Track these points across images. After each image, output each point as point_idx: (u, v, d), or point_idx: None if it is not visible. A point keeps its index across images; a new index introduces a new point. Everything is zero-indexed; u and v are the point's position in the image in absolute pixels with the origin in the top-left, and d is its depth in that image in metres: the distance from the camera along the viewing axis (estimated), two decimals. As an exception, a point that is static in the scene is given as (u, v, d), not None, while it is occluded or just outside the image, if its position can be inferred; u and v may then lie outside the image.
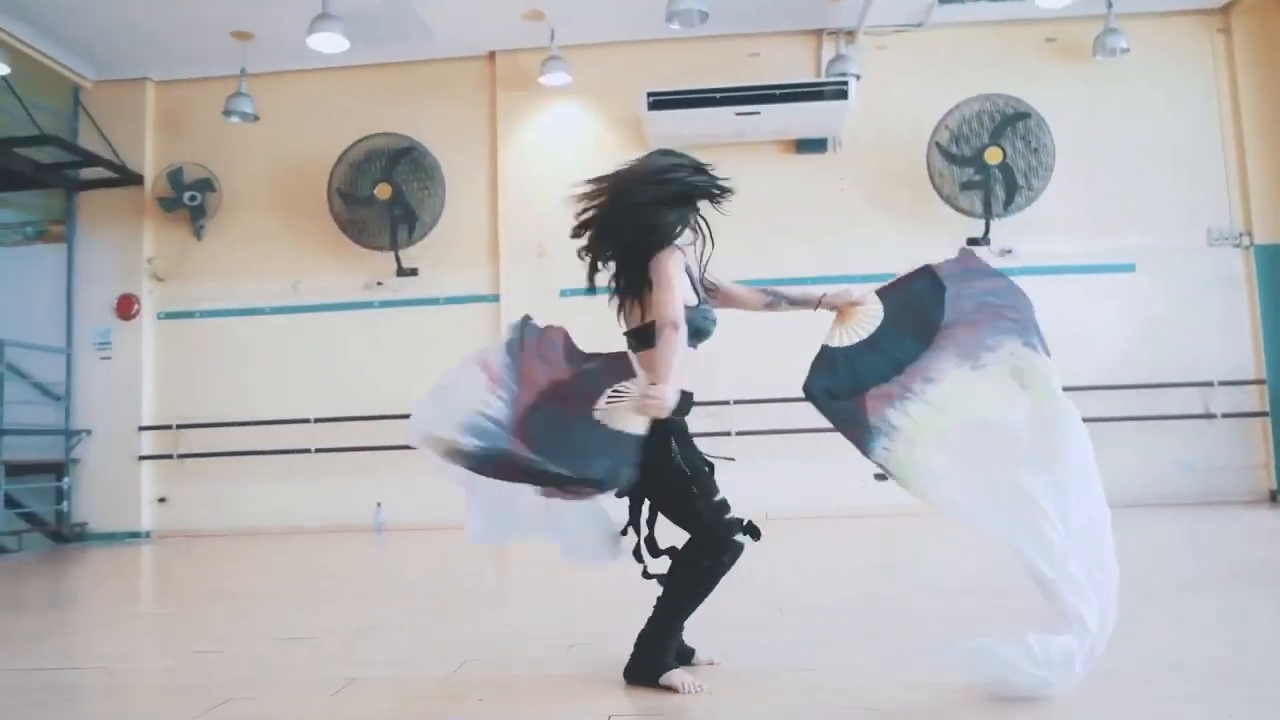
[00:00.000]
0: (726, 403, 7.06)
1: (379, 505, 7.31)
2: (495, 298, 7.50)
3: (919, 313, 2.34)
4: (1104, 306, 7.14)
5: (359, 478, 7.40)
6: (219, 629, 3.65)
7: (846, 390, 2.30)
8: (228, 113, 7.30)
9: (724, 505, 2.50)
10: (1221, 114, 7.27)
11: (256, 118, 7.40)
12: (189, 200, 7.54)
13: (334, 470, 7.42)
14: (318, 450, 7.41)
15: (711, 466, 2.56)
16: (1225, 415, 6.93)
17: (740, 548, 2.47)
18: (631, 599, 2.74)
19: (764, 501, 6.99)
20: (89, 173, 7.71)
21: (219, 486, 7.50)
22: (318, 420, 7.43)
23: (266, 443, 7.45)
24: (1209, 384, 6.97)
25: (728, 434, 7.03)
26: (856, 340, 2.38)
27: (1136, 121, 7.22)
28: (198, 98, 7.78)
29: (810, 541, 6.19)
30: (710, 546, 2.45)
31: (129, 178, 7.68)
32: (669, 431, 2.46)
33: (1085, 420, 6.91)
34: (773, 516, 7.05)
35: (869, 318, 2.48)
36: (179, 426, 7.55)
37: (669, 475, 2.46)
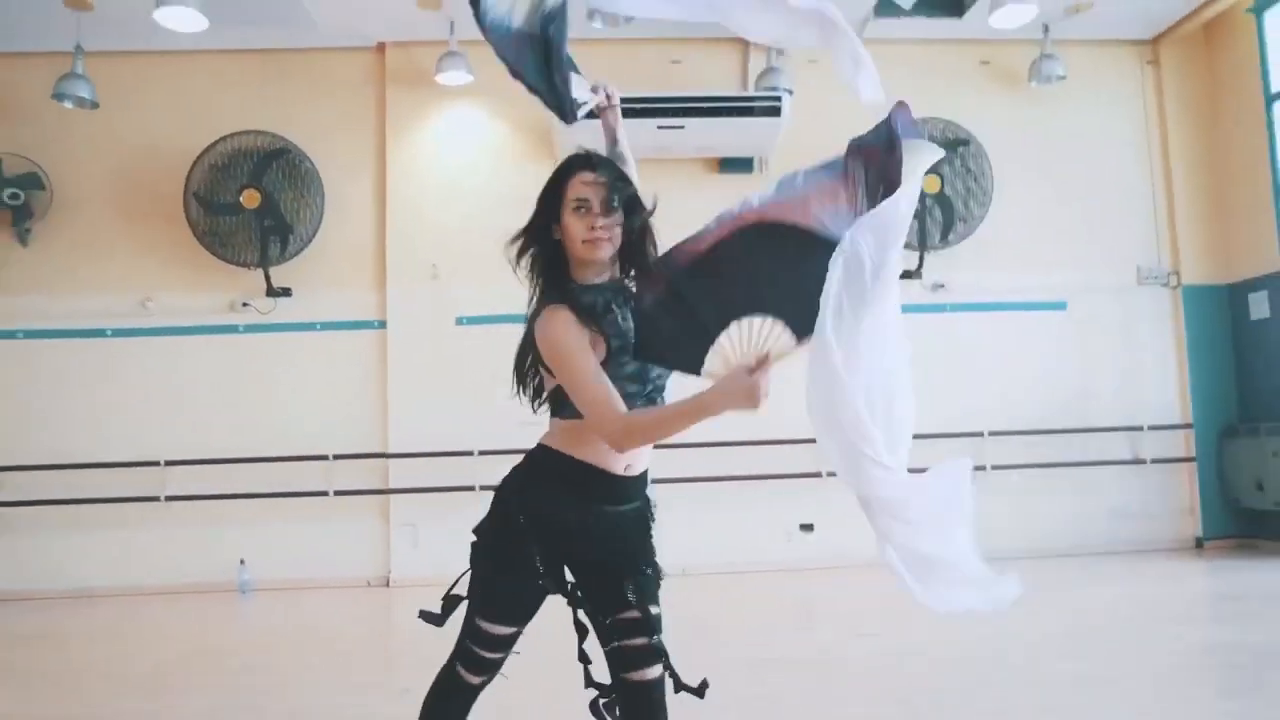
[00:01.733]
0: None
1: (242, 561, 6.33)
2: (381, 324, 6.61)
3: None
4: (1036, 345, 6.85)
5: (219, 529, 6.40)
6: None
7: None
8: (60, 95, 6.15)
9: (486, 637, 1.91)
10: (1151, 147, 7.08)
11: (96, 104, 6.26)
12: (9, 199, 6.33)
13: (190, 521, 6.39)
14: (169, 498, 6.36)
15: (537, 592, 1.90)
16: (1154, 460, 6.73)
17: (465, 688, 1.96)
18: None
19: (684, 556, 6.43)
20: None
21: (46, 540, 6.35)
22: (169, 463, 6.38)
23: (107, 489, 6.35)
24: (1139, 428, 6.75)
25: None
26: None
27: (1071, 151, 6.94)
28: (22, 76, 6.57)
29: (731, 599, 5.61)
30: (446, 664, 2.00)
31: (-68, 169, 6.41)
32: (511, 509, 1.92)
33: (1020, 466, 6.28)
34: (690, 572, 6.55)
35: None
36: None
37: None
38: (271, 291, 6.51)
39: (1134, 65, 7.12)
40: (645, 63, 6.79)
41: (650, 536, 2.02)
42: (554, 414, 1.94)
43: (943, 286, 6.81)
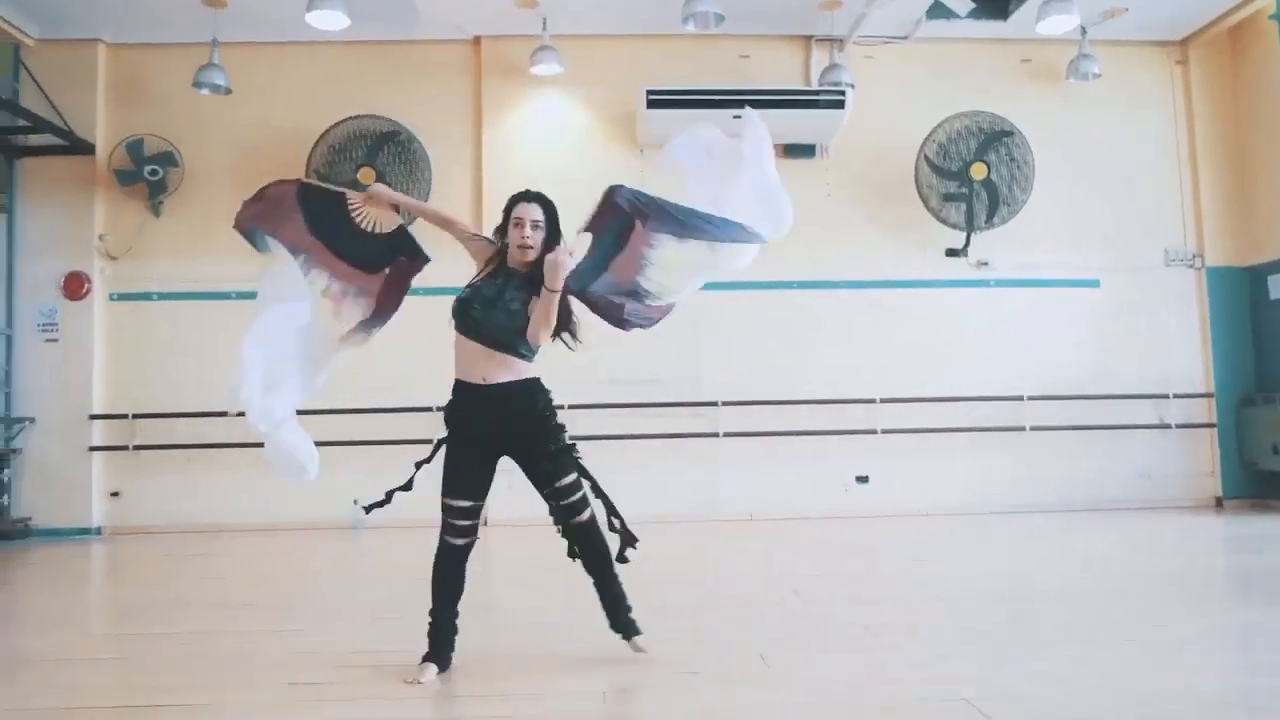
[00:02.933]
0: (715, 404, 7.10)
1: (355, 502, 7.03)
2: (478, 291, 7.29)
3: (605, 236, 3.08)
4: (1071, 319, 7.48)
5: (334, 472, 7.01)
6: (183, 640, 3.45)
7: (594, 276, 3.06)
8: (198, 84, 6.87)
9: (450, 508, 2.99)
10: (1179, 141, 7.70)
11: (229, 90, 6.98)
12: (149, 174, 7.06)
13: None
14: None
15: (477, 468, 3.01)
16: (1179, 426, 7.37)
17: (449, 549, 2.98)
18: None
19: (749, 503, 7.12)
20: (33, 139, 7.14)
21: (178, 480, 7.09)
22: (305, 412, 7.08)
23: (231, 435, 7.02)
24: (1165, 396, 7.39)
25: (715, 435, 7.07)
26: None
27: (1105, 143, 7.58)
28: (158, 65, 7.30)
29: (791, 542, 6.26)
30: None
31: (78, 146, 7.13)
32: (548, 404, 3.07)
33: (1055, 429, 7.02)
34: (757, 518, 7.22)
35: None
36: (134, 416, 7.09)
37: None
38: (380, 261, 7.20)
39: (1164, 65, 7.74)
40: (717, 58, 7.46)
41: (540, 429, 3.01)
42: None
43: (987, 264, 7.46)
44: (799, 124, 7.10)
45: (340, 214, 3.19)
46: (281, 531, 6.95)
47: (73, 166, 7.20)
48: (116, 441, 7.09)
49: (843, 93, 6.90)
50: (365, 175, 6.98)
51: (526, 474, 3.01)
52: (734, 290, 6.87)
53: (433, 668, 2.89)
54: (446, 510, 2.95)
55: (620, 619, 3.03)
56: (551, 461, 2.95)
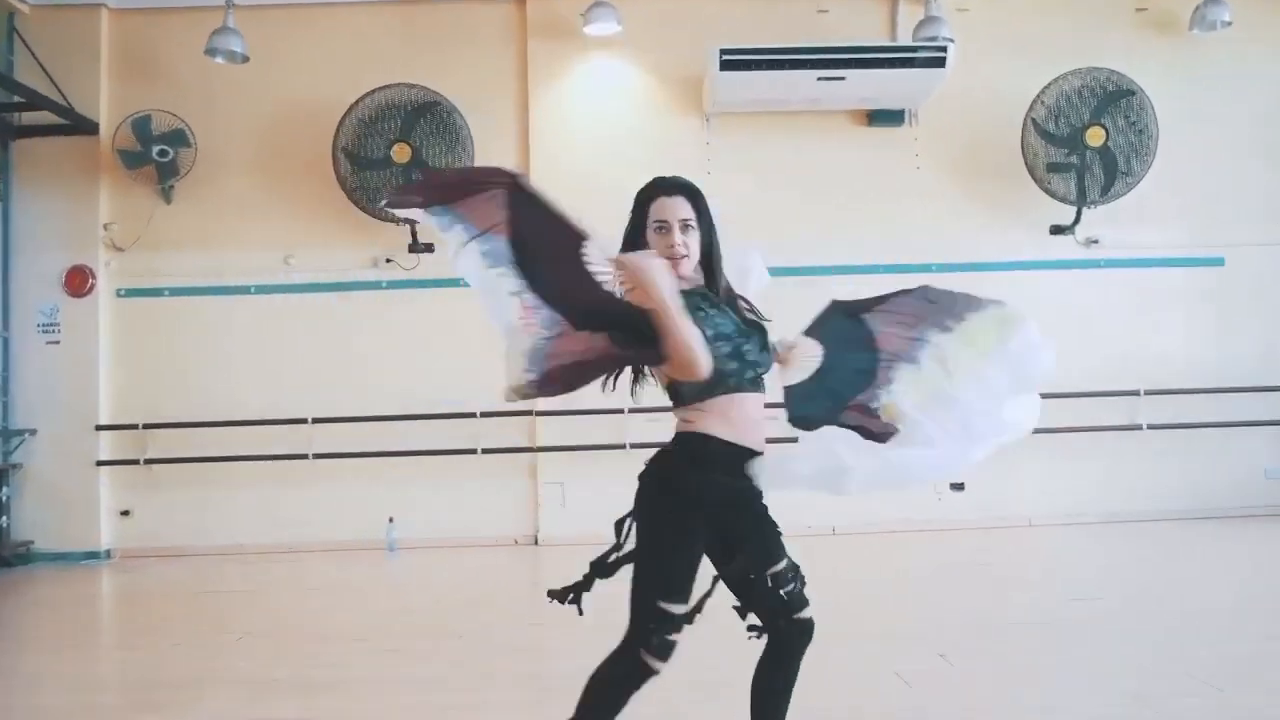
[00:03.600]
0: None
1: (390, 520, 6.30)
2: (526, 279, 6.51)
3: (849, 334, 2.32)
4: (1190, 303, 6.66)
5: (366, 488, 6.37)
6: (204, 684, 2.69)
7: (828, 408, 2.25)
8: (212, 51, 6.08)
9: (671, 618, 1.98)
10: (1322, 97, 6.80)
11: (246, 58, 6.19)
12: (158, 155, 6.29)
13: (336, 479, 6.37)
14: (316, 456, 6.33)
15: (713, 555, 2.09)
16: (1319, 421, 6.54)
17: (648, 673, 2.00)
18: None
19: (830, 515, 6.33)
20: (29, 117, 6.39)
21: (195, 498, 6.36)
22: (316, 420, 6.35)
23: (254, 447, 6.33)
24: (1302, 387, 6.55)
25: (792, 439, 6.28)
26: (811, 372, 2.27)
27: (1235, 102, 6.69)
28: (166, 32, 6.52)
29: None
30: (623, 646, 2.04)
31: (80, 125, 6.37)
32: (660, 475, 2.08)
33: (1168, 427, 5.95)
34: (840, 531, 6.44)
35: (809, 355, 2.27)
36: (145, 426, 6.35)
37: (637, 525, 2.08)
38: (415, 247, 6.44)
39: (1307, 9, 6.85)
40: (791, 13, 6.62)
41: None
42: (679, 400, 2.09)
43: (1097, 242, 6.62)
44: (888, 87, 6.26)
45: (568, 252, 2.05)
46: (311, 553, 6.23)
47: (74, 148, 6.45)
48: (126, 455, 6.36)
49: (944, 49, 6.04)
50: (400, 152, 6.19)
51: (734, 558, 2.11)
52: (808, 275, 6.08)
53: None
54: (661, 618, 2.00)
55: None
56: (776, 536, 2.15)
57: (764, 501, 2.13)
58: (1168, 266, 6.68)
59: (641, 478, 2.08)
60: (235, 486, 6.36)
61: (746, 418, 2.07)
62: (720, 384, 2.02)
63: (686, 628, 1.99)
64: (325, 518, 6.38)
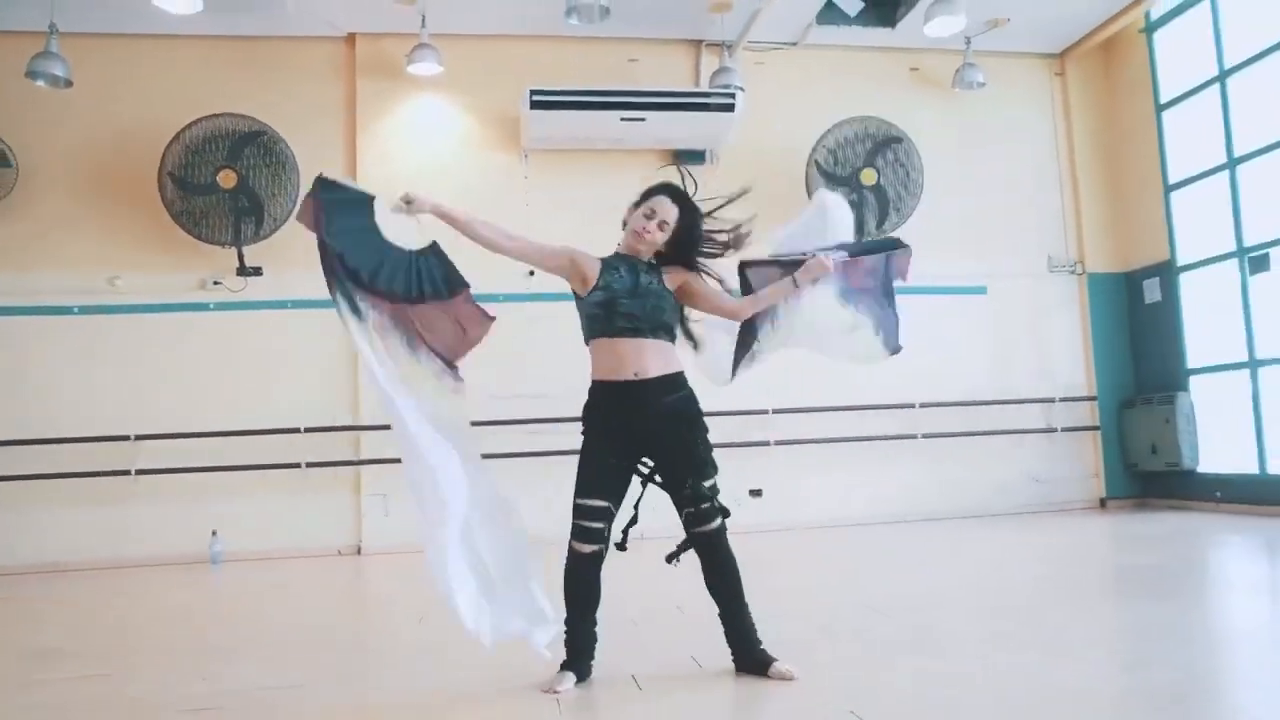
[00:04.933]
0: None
1: (214, 533, 6.47)
2: (353, 302, 6.83)
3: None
4: (960, 325, 7.50)
5: (190, 503, 6.52)
6: (75, 701, 2.97)
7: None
8: (33, 74, 6.22)
9: (583, 509, 2.76)
10: (1059, 150, 7.85)
11: (70, 83, 6.36)
12: (-24, 177, 6.37)
13: (160, 495, 6.50)
14: (139, 472, 6.46)
15: (609, 468, 2.77)
16: (1064, 429, 7.47)
17: (581, 557, 2.77)
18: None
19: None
20: None
21: (13, 516, 6.37)
22: (139, 437, 6.48)
23: (76, 464, 6.41)
24: (1051, 400, 7.48)
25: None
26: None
27: (990, 152, 7.66)
28: (-12, 56, 6.61)
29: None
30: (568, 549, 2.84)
31: (-105, 145, 6.39)
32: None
33: (946, 435, 6.98)
34: (647, 537, 6.92)
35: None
36: (-41, 444, 6.35)
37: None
38: (243, 270, 6.68)
39: (1044, 75, 7.90)
40: (605, 60, 7.23)
41: (692, 421, 2.81)
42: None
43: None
44: (688, 128, 6.92)
45: (365, 223, 2.83)
46: (133, 568, 6.32)
47: (-113, 167, 6.44)
48: (-62, 474, 6.33)
49: (733, 95, 6.75)
50: (226, 178, 6.46)
51: (664, 475, 2.80)
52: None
53: (571, 676, 2.75)
54: (578, 511, 2.76)
55: (754, 654, 2.78)
56: (699, 459, 2.77)
57: (677, 427, 2.78)
58: (938, 295, 7.52)
59: (696, 402, 2.87)
60: (58, 504, 6.39)
61: (617, 357, 2.77)
62: (591, 331, 2.83)
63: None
64: (150, 533, 6.49)
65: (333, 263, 2.75)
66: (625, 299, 2.78)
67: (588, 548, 2.75)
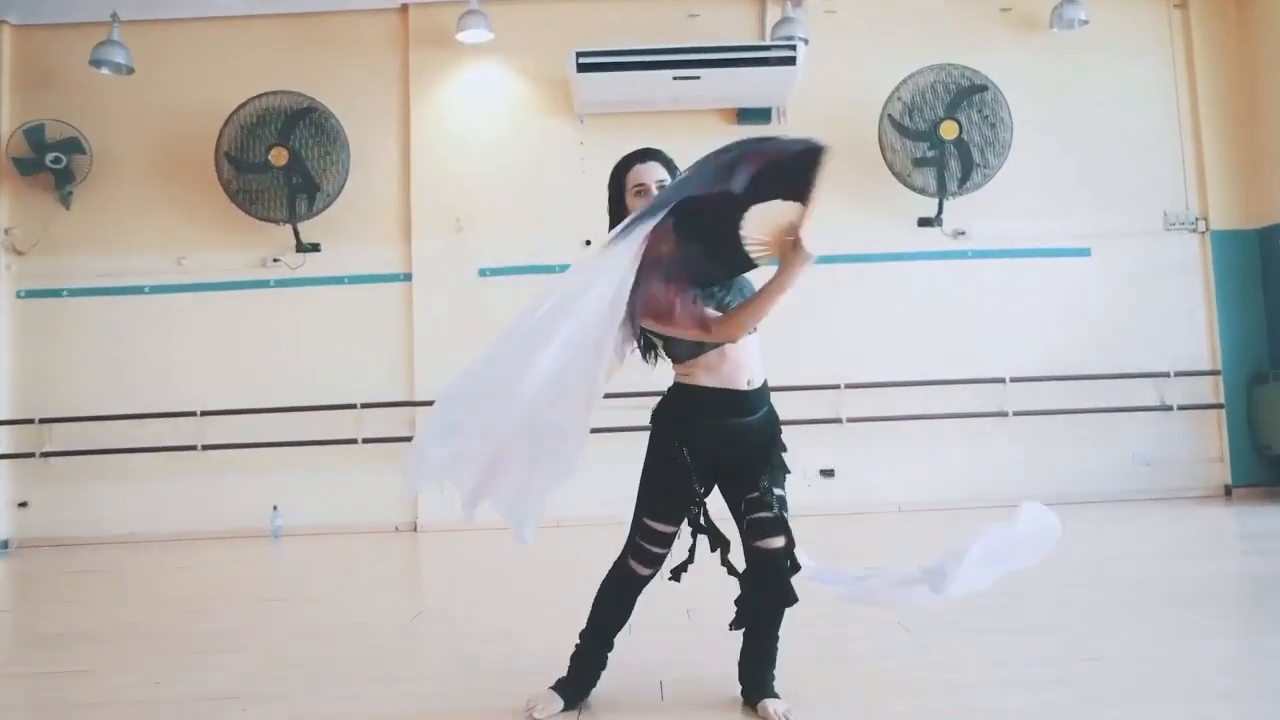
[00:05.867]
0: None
1: (275, 508, 6.55)
2: (407, 276, 6.77)
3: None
4: (1059, 292, 6.78)
5: (254, 477, 6.62)
6: (25, 703, 2.92)
7: None
8: (96, 62, 6.39)
9: (653, 533, 2.37)
10: (1178, 94, 6.95)
11: (131, 70, 6.50)
12: (53, 162, 6.60)
13: (224, 469, 6.62)
14: (205, 447, 6.60)
15: (692, 493, 2.35)
16: (1181, 407, 6.64)
17: (634, 578, 2.41)
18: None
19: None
20: (-70, 128, 6.73)
21: (91, 489, 6.63)
22: (205, 414, 6.62)
23: (146, 439, 6.61)
24: (1165, 374, 6.67)
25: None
26: None
27: (1093, 98, 6.85)
28: (62, 46, 6.82)
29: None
30: (620, 556, 2.45)
31: (-19, 136, 6.70)
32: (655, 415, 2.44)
33: (1042, 413, 6.27)
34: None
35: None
36: (42, 421, 6.64)
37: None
38: (301, 247, 6.71)
39: (1161, 8, 6.99)
40: (663, 18, 6.85)
41: (775, 439, 2.41)
42: (675, 360, 2.39)
43: (964, 233, 6.78)
44: (750, 85, 6.46)
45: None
46: (203, 540, 6.46)
47: (-25, 158, 6.78)
48: (23, 448, 6.64)
49: (794, 47, 6.26)
50: (277, 155, 6.47)
51: (735, 483, 2.37)
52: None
53: (558, 702, 2.40)
54: (647, 534, 2.38)
55: (764, 684, 2.37)
56: (776, 461, 2.38)
57: (767, 439, 2.37)
58: (1035, 257, 6.83)
59: (651, 418, 2.45)
60: (128, 478, 6.62)
61: (733, 363, 2.34)
62: (706, 344, 2.30)
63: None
64: (215, 506, 6.63)
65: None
66: (719, 290, 2.33)
67: (646, 570, 2.41)
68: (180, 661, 3.12)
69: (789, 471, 2.39)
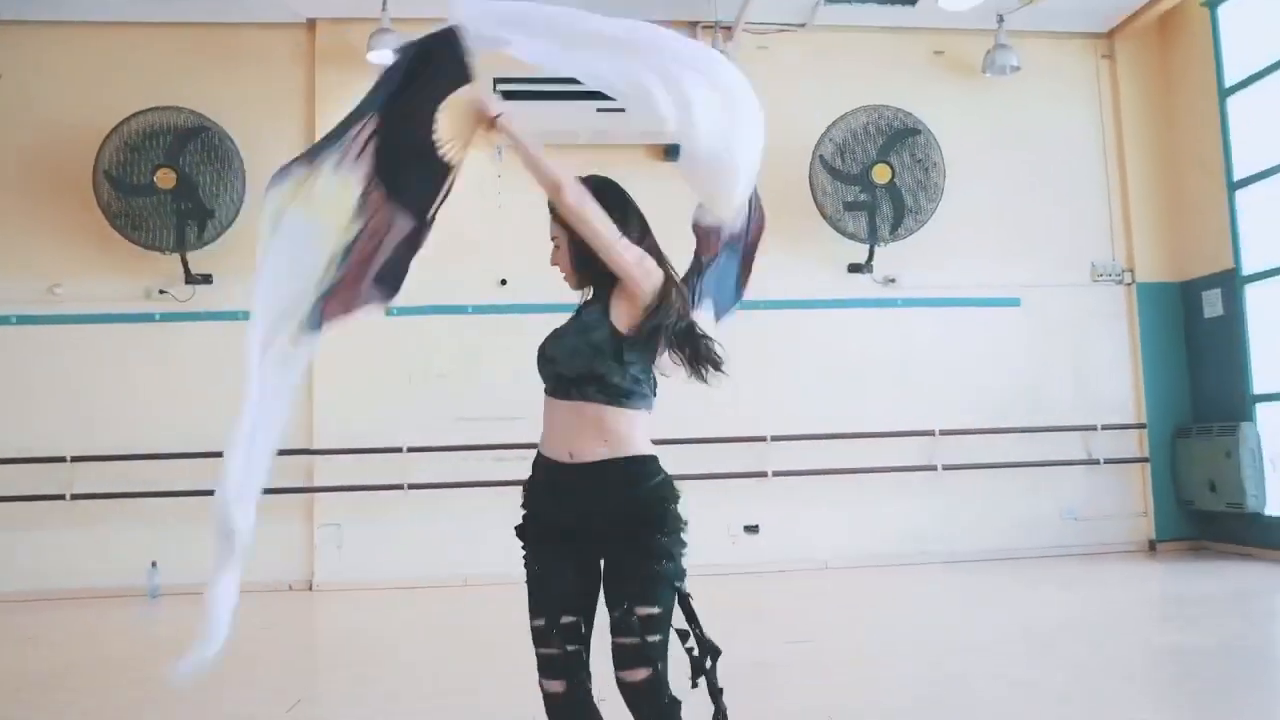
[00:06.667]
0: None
1: (154, 565, 5.95)
2: (308, 313, 6.27)
3: None
4: (989, 342, 6.68)
5: (129, 530, 6.02)
6: None
7: None
8: (-45, 67, 5.77)
9: (533, 631, 1.98)
10: (1106, 143, 6.94)
11: (-2, 77, 5.90)
12: (-96, 177, 5.93)
13: (97, 520, 6.01)
14: (74, 496, 5.97)
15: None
16: (1107, 461, 6.57)
17: (547, 698, 1.97)
18: None
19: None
20: None
21: (-63, 542, 5.94)
22: (75, 459, 6.00)
23: (7, 486, 5.95)
24: (1092, 428, 6.59)
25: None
26: None
27: (1024, 145, 6.78)
28: (-80, 47, 6.18)
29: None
30: None
31: None
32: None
33: (971, 467, 6.01)
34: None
35: None
36: (-119, 464, 5.94)
37: None
38: (190, 279, 6.17)
39: (1089, 58, 6.99)
40: (589, 45, 6.54)
41: (648, 528, 1.95)
42: None
43: (894, 281, 6.62)
44: (677, 121, 6.17)
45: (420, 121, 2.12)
46: (67, 600, 5.83)
47: None
48: None
49: (722, 84, 5.99)
50: (163, 178, 5.93)
51: (605, 584, 1.99)
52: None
53: None
54: (533, 635, 2.00)
55: None
56: (648, 573, 1.93)
57: (626, 532, 1.94)
58: (965, 306, 6.70)
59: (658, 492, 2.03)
60: (-16, 532, 5.96)
61: (548, 427, 2.04)
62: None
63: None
64: (85, 561, 6.00)
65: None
66: (548, 341, 2.08)
67: (552, 684, 1.96)
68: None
69: (668, 584, 1.93)
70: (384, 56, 6.09)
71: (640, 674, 1.87)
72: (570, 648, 1.94)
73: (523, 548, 2.04)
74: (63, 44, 6.26)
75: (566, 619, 1.95)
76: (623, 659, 1.88)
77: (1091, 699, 3.15)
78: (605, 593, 1.97)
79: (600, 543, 1.97)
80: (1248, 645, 3.99)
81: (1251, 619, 4.50)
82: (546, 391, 2.03)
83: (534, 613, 1.97)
